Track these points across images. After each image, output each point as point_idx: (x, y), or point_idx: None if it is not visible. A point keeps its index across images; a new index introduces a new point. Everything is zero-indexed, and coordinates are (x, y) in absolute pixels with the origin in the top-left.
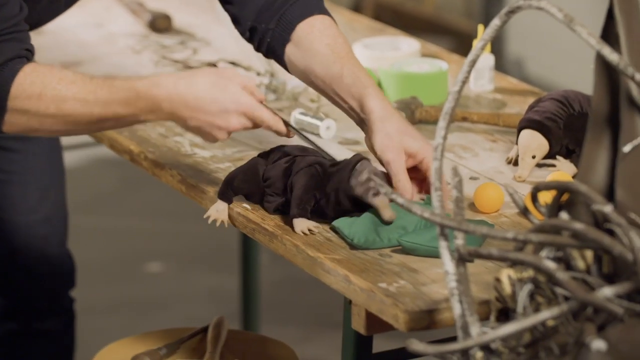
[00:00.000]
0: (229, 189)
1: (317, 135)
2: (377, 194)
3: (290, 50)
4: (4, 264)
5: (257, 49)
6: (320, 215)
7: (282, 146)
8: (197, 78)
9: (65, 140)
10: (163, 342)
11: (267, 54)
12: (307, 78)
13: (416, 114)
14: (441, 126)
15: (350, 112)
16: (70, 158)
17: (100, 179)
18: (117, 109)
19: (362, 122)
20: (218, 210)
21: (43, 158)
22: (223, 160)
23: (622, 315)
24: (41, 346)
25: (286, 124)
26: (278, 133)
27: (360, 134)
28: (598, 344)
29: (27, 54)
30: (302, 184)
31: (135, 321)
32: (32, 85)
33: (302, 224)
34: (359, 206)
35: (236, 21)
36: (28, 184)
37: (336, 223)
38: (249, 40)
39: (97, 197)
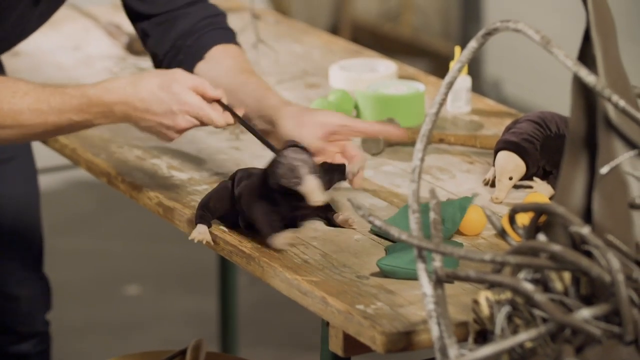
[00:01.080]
0: (206, 212)
1: None
2: (299, 182)
3: (200, 66)
4: None
5: (159, 64)
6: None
7: (245, 169)
8: (144, 80)
9: (41, 163)
10: None
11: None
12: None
13: None
14: (418, 148)
15: (255, 118)
16: (47, 181)
17: (77, 202)
18: (71, 116)
19: (268, 121)
20: (200, 233)
21: (18, 183)
22: (200, 182)
23: (600, 336)
24: None
25: (235, 116)
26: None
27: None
28: None
29: None
30: (258, 207)
31: (112, 344)
32: None
33: (279, 240)
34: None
35: (155, 43)
36: (2, 210)
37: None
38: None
39: (74, 219)
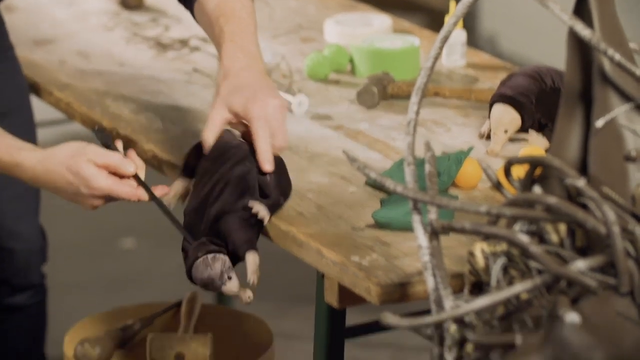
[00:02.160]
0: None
1: (289, 110)
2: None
3: (195, 6)
4: None
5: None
6: None
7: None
8: (54, 160)
9: (37, 117)
10: (136, 317)
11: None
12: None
13: (388, 90)
14: (414, 101)
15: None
16: (41, 135)
17: None
18: None
19: None
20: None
21: (17, 137)
22: (195, 136)
23: (596, 288)
24: (12, 322)
25: (150, 194)
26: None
27: (332, 108)
28: (572, 317)
29: None
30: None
31: (108, 297)
32: None
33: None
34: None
35: None
36: None
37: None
38: None
39: None
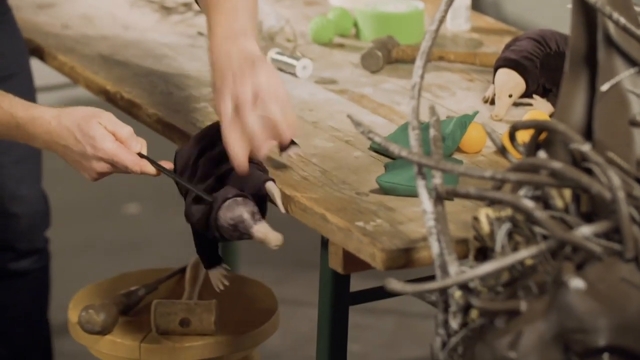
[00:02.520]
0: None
1: (294, 74)
2: (248, 236)
3: None
4: None
5: None
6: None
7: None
8: (68, 117)
9: (40, 82)
10: (141, 282)
11: None
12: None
13: (393, 54)
14: (418, 65)
15: None
16: (45, 99)
17: None
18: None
19: None
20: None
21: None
22: (199, 100)
23: (601, 254)
24: (17, 287)
25: (156, 165)
26: (149, 174)
27: (336, 72)
28: (576, 283)
29: None
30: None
31: (112, 262)
32: None
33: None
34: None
35: None
36: None
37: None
38: None
39: None
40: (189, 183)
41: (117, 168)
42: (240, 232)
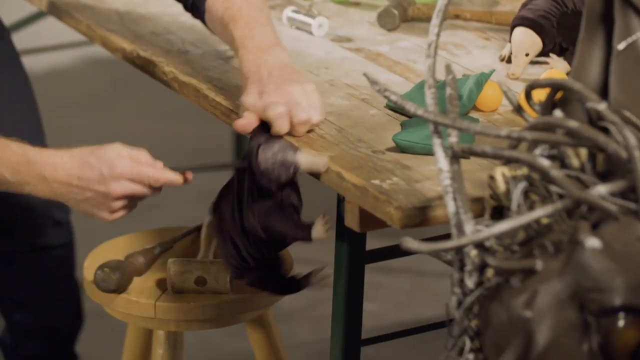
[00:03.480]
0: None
1: (310, 33)
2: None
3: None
4: None
5: (185, 7)
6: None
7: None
8: (79, 150)
9: (56, 40)
10: (156, 241)
11: (193, 11)
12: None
13: (409, 12)
14: (434, 24)
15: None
16: (61, 58)
17: (92, 79)
18: (4, 172)
19: None
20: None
21: (3, 74)
22: (215, 57)
23: (616, 213)
24: (42, 262)
25: (180, 172)
26: (174, 184)
27: (352, 31)
28: (592, 242)
29: None
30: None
31: (127, 221)
32: None
33: (319, 230)
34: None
35: None
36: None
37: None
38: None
39: (90, 97)
40: (220, 165)
41: (137, 187)
42: (286, 166)
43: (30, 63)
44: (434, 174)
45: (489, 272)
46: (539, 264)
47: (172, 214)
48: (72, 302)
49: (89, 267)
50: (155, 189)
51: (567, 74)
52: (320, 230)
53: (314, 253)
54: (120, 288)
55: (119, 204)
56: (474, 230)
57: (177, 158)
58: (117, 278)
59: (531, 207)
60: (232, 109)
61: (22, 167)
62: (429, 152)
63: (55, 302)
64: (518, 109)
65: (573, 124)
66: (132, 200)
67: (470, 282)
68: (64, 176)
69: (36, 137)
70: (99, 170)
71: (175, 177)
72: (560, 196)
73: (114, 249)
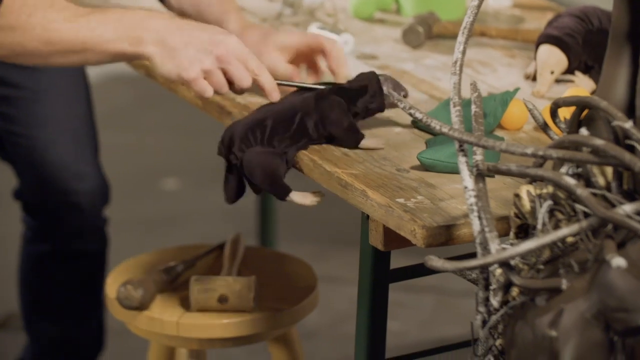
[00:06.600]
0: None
1: None
2: (406, 95)
3: None
4: (33, 182)
5: None
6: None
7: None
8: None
9: None
10: (179, 258)
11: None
12: (180, 9)
13: (434, 29)
14: (460, 41)
15: None
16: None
17: (116, 95)
18: (103, 31)
19: None
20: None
21: (68, 74)
22: None
23: None
24: (74, 267)
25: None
26: (267, 87)
27: (377, 48)
28: (618, 261)
29: None
30: (338, 111)
31: (151, 238)
32: (22, 7)
33: (371, 142)
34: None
35: None
36: (56, 101)
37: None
38: None
39: (113, 113)
40: (312, 86)
41: (238, 63)
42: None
43: None
44: (459, 193)
45: (514, 291)
46: (564, 283)
47: (194, 231)
48: (96, 317)
49: (111, 284)
50: (247, 82)
51: (592, 92)
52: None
53: (337, 271)
54: (142, 305)
55: (214, 65)
56: (499, 248)
57: (200, 175)
58: (140, 295)
59: (556, 226)
60: None
61: (123, 21)
62: (454, 171)
63: (81, 314)
64: (543, 127)
65: (599, 142)
66: (222, 77)
67: (495, 301)
68: (172, 28)
69: (90, 141)
70: (216, 30)
71: (271, 80)
72: (586, 215)
73: (137, 266)
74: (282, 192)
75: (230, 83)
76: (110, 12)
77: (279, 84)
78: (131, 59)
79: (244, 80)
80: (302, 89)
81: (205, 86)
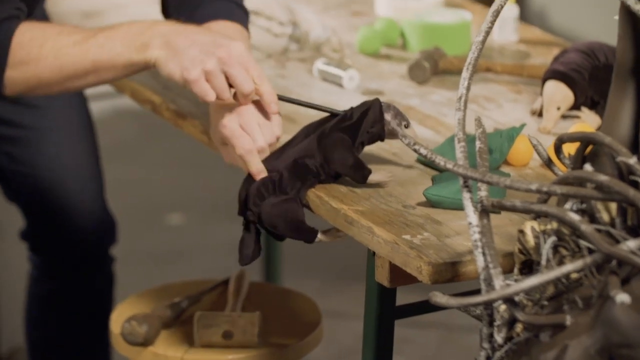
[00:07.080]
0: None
1: (340, 85)
2: (407, 125)
3: None
4: (39, 222)
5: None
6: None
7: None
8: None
9: (87, 92)
10: (184, 294)
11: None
12: None
13: (439, 65)
14: (464, 77)
15: None
16: (91, 108)
17: (121, 129)
18: (111, 47)
19: None
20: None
21: (71, 111)
22: None
23: None
24: (80, 304)
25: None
26: (267, 97)
27: (383, 83)
28: (622, 297)
29: (19, 13)
30: (341, 150)
31: (155, 272)
32: (32, 41)
33: (378, 176)
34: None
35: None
36: (60, 140)
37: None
38: None
39: (118, 147)
40: (313, 104)
41: (240, 67)
42: (403, 119)
43: None
44: (465, 229)
45: (518, 327)
46: (568, 319)
47: (199, 266)
48: (102, 355)
49: (116, 320)
50: (248, 87)
51: (598, 127)
52: (379, 177)
53: (341, 306)
54: (147, 341)
55: (216, 66)
56: (503, 285)
57: (205, 210)
58: (145, 331)
59: (561, 262)
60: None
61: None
62: (460, 207)
63: (87, 351)
64: (548, 163)
65: (603, 178)
66: (224, 80)
67: (499, 337)
68: (177, 29)
69: (95, 176)
70: (220, 35)
71: (272, 92)
72: (590, 251)
73: (141, 302)
74: (310, 235)
75: (232, 88)
76: (118, 27)
77: (279, 98)
78: (141, 68)
79: (245, 85)
80: (302, 106)
81: (207, 89)
